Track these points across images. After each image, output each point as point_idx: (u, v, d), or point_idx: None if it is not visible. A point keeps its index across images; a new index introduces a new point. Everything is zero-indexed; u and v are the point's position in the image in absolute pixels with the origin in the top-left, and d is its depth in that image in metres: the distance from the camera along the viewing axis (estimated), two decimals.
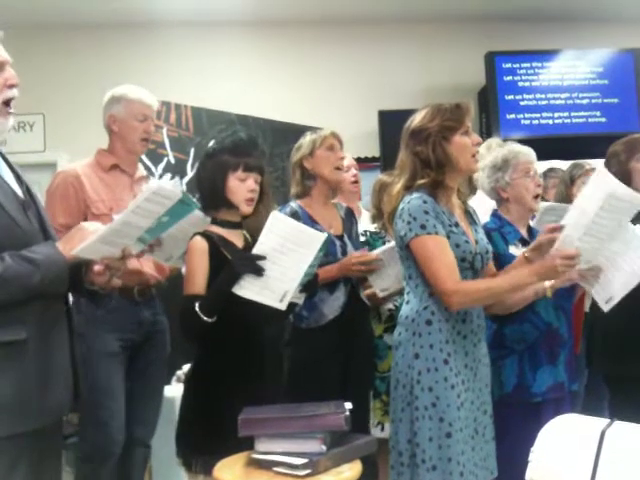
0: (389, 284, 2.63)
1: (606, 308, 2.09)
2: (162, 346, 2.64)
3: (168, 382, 3.24)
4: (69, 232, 1.67)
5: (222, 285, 2.02)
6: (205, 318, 2.00)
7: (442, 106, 2.08)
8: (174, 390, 3.18)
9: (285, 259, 1.98)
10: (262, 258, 1.99)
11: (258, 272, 1.99)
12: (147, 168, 3.83)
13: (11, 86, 1.63)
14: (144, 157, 3.82)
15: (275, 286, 1.99)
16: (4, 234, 1.58)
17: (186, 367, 3.08)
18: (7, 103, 1.64)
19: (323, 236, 1.99)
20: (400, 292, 2.49)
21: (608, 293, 2.07)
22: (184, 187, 4.07)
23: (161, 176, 3.98)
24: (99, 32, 4.86)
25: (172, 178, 1.77)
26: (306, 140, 2.64)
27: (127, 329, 2.49)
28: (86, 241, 1.61)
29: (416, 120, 2.08)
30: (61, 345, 1.69)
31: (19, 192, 1.70)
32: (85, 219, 2.42)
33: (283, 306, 2.00)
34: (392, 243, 2.50)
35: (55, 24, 4.71)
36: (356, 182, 3.14)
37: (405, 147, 2.10)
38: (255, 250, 2.02)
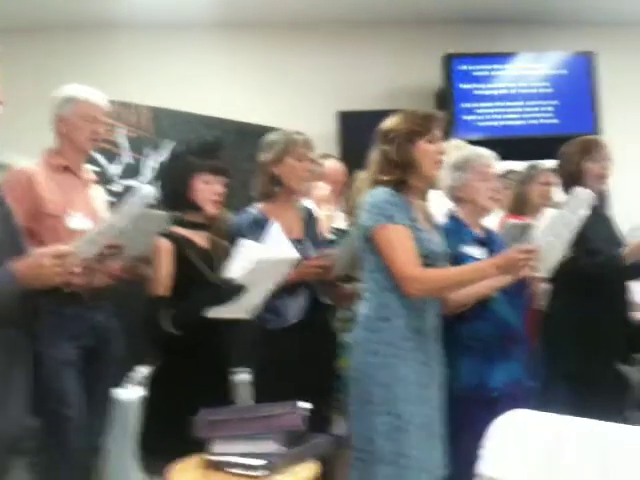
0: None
1: (549, 273, 2.22)
2: (115, 349, 2.59)
3: (121, 385, 3.17)
4: (29, 261, 1.61)
5: (200, 307, 2.04)
6: (175, 332, 2.04)
7: (414, 112, 2.17)
8: (128, 393, 3.12)
9: (257, 282, 2.05)
10: (244, 289, 2.02)
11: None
12: (102, 169, 3.77)
13: None
14: (101, 157, 3.76)
15: (245, 303, 2.07)
16: None
17: (141, 370, 3.02)
18: None
19: (296, 257, 2.04)
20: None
21: (548, 264, 2.17)
22: (142, 187, 4.01)
23: (121, 177, 3.92)
24: (57, 33, 4.75)
25: (126, 178, 1.81)
26: (277, 142, 2.55)
27: (82, 335, 2.43)
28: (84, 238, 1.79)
29: (388, 122, 2.17)
30: (21, 367, 1.66)
31: None
32: (37, 219, 2.35)
33: (249, 315, 2.10)
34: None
35: (12, 26, 4.60)
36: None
37: (375, 145, 2.18)
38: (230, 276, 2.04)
